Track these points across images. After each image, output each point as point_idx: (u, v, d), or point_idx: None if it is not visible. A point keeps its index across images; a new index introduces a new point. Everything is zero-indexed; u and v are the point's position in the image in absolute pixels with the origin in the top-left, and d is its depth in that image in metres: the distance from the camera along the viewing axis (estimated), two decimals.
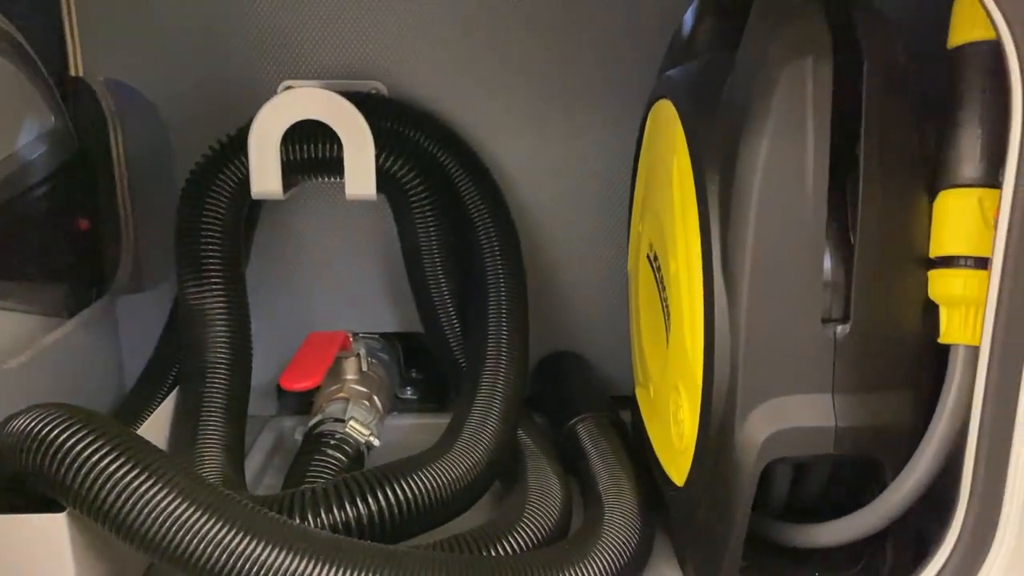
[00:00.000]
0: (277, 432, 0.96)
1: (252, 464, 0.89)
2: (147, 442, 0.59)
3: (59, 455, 0.56)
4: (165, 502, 0.55)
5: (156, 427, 0.75)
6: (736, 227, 0.58)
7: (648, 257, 0.77)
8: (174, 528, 0.55)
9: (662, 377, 0.73)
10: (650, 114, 0.76)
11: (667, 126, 0.70)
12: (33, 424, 0.58)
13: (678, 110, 0.67)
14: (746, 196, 0.57)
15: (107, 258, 0.94)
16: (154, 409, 0.79)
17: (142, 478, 0.55)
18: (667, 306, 0.71)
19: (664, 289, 0.72)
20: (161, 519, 0.55)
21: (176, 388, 0.80)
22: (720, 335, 0.59)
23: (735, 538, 0.61)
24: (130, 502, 0.54)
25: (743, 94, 0.58)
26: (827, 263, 0.58)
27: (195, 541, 0.55)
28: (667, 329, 0.71)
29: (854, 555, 0.66)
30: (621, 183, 0.87)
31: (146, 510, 0.55)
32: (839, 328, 0.58)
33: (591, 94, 0.90)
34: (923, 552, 0.57)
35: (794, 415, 0.59)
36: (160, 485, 0.56)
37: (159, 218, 0.88)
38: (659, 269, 0.74)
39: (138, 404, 0.85)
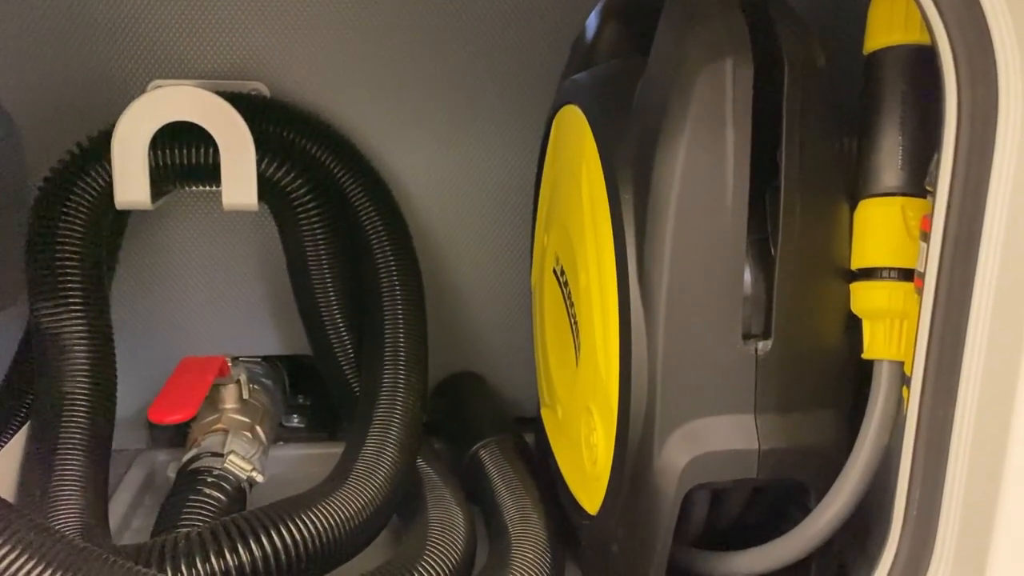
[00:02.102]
0: (148, 467, 0.87)
1: (119, 504, 0.80)
2: None
3: None
4: (13, 563, 0.47)
5: (3, 468, 0.66)
6: (652, 239, 0.55)
7: (554, 271, 0.73)
8: None
9: (571, 398, 0.69)
10: (555, 121, 0.72)
11: (574, 132, 0.66)
12: None
13: (586, 115, 0.63)
14: (663, 206, 0.54)
15: None
16: (0, 448, 0.70)
17: None
18: (576, 322, 0.67)
19: (572, 305, 0.68)
20: None
21: (28, 423, 0.70)
22: (637, 353, 0.55)
23: (656, 570, 0.57)
24: None
25: (658, 97, 0.55)
26: (748, 276, 0.55)
27: None
28: (576, 347, 0.67)
29: None
30: (523, 194, 0.83)
31: None
32: (760, 344, 0.55)
33: (490, 101, 0.85)
34: None
35: (716, 438, 0.55)
36: (8, 545, 0.47)
37: (10, 234, 0.78)
38: (567, 284, 0.69)
39: None
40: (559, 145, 0.72)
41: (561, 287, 0.71)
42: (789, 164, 0.54)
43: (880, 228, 0.53)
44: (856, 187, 0.54)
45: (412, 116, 0.86)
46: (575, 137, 0.66)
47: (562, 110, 0.70)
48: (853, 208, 0.55)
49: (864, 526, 0.55)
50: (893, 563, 0.47)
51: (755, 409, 0.55)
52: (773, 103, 0.53)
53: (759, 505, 0.61)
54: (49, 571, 0.48)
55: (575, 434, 0.68)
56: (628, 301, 0.56)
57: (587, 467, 0.65)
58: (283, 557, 0.59)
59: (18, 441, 0.68)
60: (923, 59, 0.51)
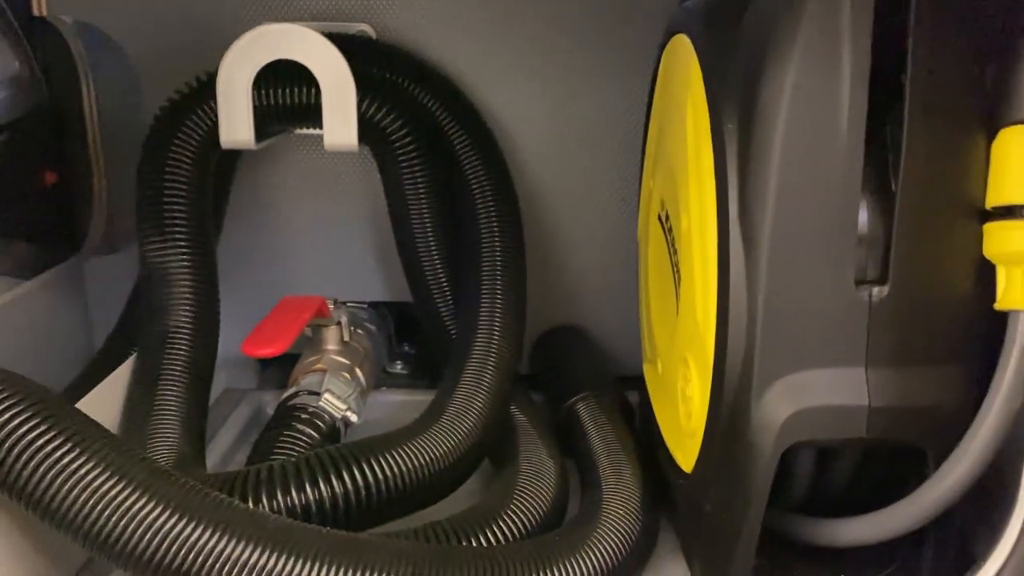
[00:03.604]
0: (255, 406, 0.89)
1: (224, 439, 0.82)
2: (75, 410, 0.52)
3: None
4: (88, 476, 0.48)
5: (108, 396, 0.68)
6: (756, 172, 0.50)
7: (659, 217, 0.69)
8: (96, 505, 0.47)
9: (670, 350, 0.65)
10: (664, 53, 0.68)
11: (682, 64, 0.62)
12: None
13: (694, 43, 0.59)
14: (768, 136, 0.49)
15: (77, 216, 0.88)
16: None
17: (63, 448, 0.48)
18: (678, 270, 0.63)
19: (675, 252, 0.64)
20: (82, 494, 0.48)
21: (134, 355, 0.73)
22: (735, 298, 0.51)
23: (748, 533, 0.53)
24: (41, 471, 0.47)
25: (767, 14, 0.50)
26: (863, 215, 0.50)
27: (120, 520, 0.47)
28: (677, 296, 0.63)
29: (885, 557, 0.58)
30: (632, 137, 0.79)
31: (62, 482, 0.47)
32: (875, 291, 0.49)
33: (599, 35, 0.81)
34: (968, 557, 0.49)
35: (820, 392, 0.50)
36: (84, 458, 0.48)
37: (133, 174, 0.81)
38: (670, 230, 0.65)
39: (102, 372, 0.78)
40: (668, 80, 0.68)
41: (665, 234, 0.67)
42: (915, 87, 0.47)
43: (1022, 160, 0.46)
44: (994, 114, 0.48)
45: (518, 59, 0.83)
46: (682, 69, 0.61)
47: (671, 42, 0.66)
48: (989, 139, 0.48)
49: (990, 495, 0.48)
50: (1013, 548, 0.41)
51: (866, 362, 0.50)
52: (897, 18, 0.47)
53: (868, 469, 0.56)
54: (128, 489, 0.48)
55: (672, 388, 0.64)
56: (728, 241, 0.51)
57: (682, 422, 0.61)
58: (364, 494, 0.59)
59: (123, 371, 0.71)
60: None
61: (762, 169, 0.49)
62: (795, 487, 0.57)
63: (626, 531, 0.60)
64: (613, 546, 0.59)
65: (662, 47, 0.69)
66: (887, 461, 0.56)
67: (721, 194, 0.52)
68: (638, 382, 0.78)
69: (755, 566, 0.55)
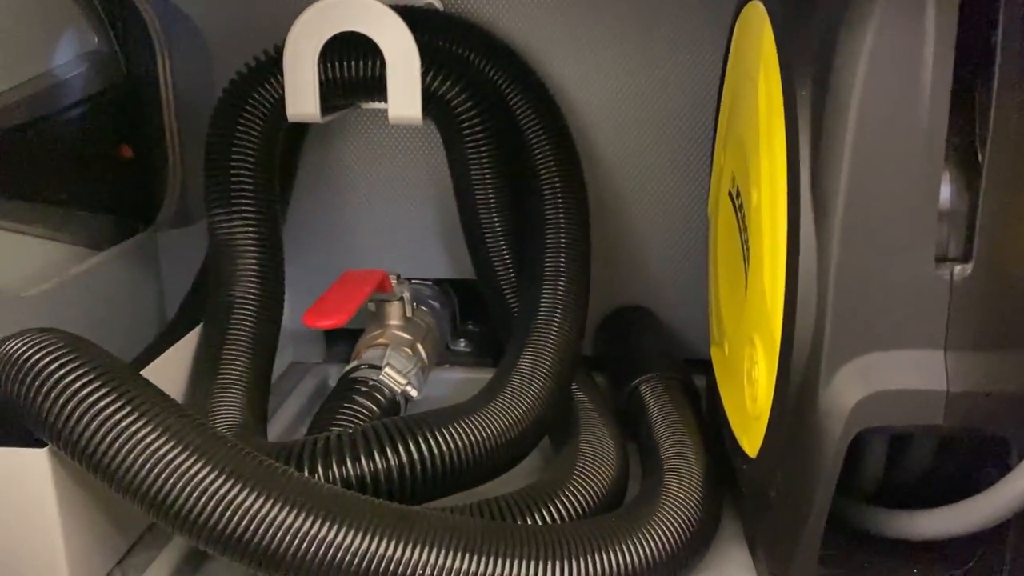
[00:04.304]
0: (320, 380, 0.90)
1: (288, 411, 0.83)
2: (140, 377, 0.53)
3: (35, 381, 0.50)
4: (147, 439, 0.49)
5: (174, 365, 0.69)
6: (830, 143, 0.47)
7: (730, 193, 0.66)
8: (154, 468, 0.48)
9: (737, 331, 0.63)
10: (738, 22, 0.65)
11: (756, 32, 0.59)
12: (17, 348, 0.52)
13: (768, 8, 0.56)
14: (843, 100, 0.46)
15: (152, 189, 0.90)
16: None
17: (123, 412, 0.49)
18: (747, 248, 0.60)
19: (745, 229, 0.61)
20: (140, 457, 0.48)
21: (201, 324, 0.74)
22: (805, 275, 0.49)
23: (814, 521, 0.51)
24: (102, 433, 0.48)
25: None
26: (946, 188, 0.47)
27: (176, 483, 0.48)
28: (746, 275, 0.60)
29: (963, 552, 0.55)
30: (702, 111, 0.76)
31: (121, 444, 0.48)
32: (957, 269, 0.46)
33: (670, 6, 0.78)
34: None
35: (894, 375, 0.47)
36: (143, 422, 0.49)
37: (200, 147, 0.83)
38: (741, 206, 0.63)
39: (172, 341, 0.79)
40: (741, 49, 0.65)
41: (735, 210, 0.64)
42: (1006, 49, 0.44)
43: None
44: None
45: (586, 32, 0.81)
46: (756, 37, 0.59)
47: (745, 9, 0.63)
48: None
49: None
50: None
51: (946, 344, 0.47)
52: None
53: (946, 458, 0.53)
54: (186, 454, 0.49)
55: (738, 370, 0.61)
56: (798, 215, 0.49)
57: (748, 405, 0.59)
58: (420, 468, 0.58)
59: (190, 340, 0.72)
60: None
61: (836, 139, 0.47)
62: (866, 475, 0.54)
63: (687, 515, 0.58)
64: (673, 530, 0.57)
65: (735, 16, 0.66)
66: (966, 450, 0.52)
67: (792, 166, 0.50)
68: (705, 365, 0.76)
69: (821, 556, 0.53)
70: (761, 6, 0.58)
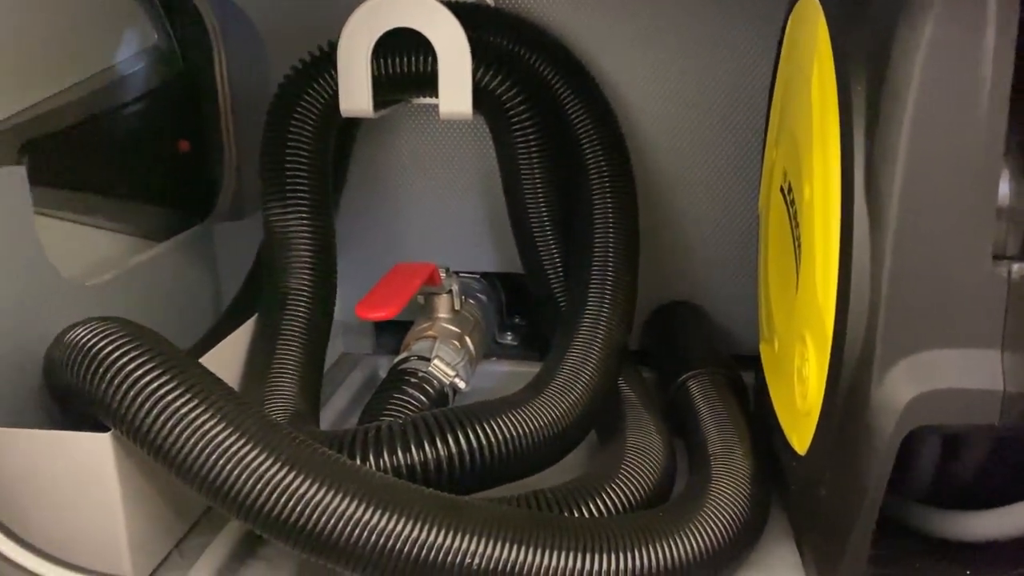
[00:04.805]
0: (369, 370, 0.91)
1: (339, 401, 0.84)
2: (198, 364, 0.54)
3: (100, 368, 0.52)
4: (205, 426, 0.50)
5: (230, 353, 0.71)
6: (885, 137, 0.47)
7: (782, 189, 0.66)
8: (212, 454, 0.50)
9: (787, 327, 0.62)
10: (791, 16, 0.65)
11: (810, 26, 0.58)
12: (83, 336, 0.54)
13: (822, 4, 0.55)
14: (900, 95, 0.46)
15: (208, 182, 0.92)
16: None
17: (183, 399, 0.51)
18: (799, 244, 0.60)
19: (797, 225, 0.61)
20: (199, 443, 0.50)
21: (255, 315, 0.75)
22: (858, 271, 0.48)
23: (864, 521, 0.50)
24: (162, 418, 0.50)
25: None
26: (1004, 185, 0.46)
27: (233, 469, 0.50)
28: (797, 271, 0.60)
29: (1017, 555, 0.54)
30: (752, 107, 0.75)
31: (181, 430, 0.50)
32: (1016, 267, 0.46)
33: (721, 5, 0.78)
34: None
35: (948, 374, 0.47)
36: (202, 408, 0.51)
37: (259, 142, 0.84)
38: (793, 202, 0.62)
39: (227, 331, 0.81)
40: (793, 45, 0.64)
41: (787, 206, 0.64)
42: None
43: None
44: None
45: (636, 28, 0.81)
46: (809, 31, 0.58)
47: (798, 3, 0.63)
48: None
49: None
50: None
51: (1002, 344, 0.46)
52: None
53: (1001, 458, 0.52)
54: (243, 441, 0.50)
55: (788, 367, 0.61)
56: (852, 211, 0.49)
57: (798, 402, 0.58)
58: (468, 458, 0.59)
59: (245, 329, 0.74)
60: None
61: (892, 133, 0.46)
62: (918, 474, 0.54)
63: (734, 512, 0.58)
64: (720, 526, 0.57)
65: (789, 10, 0.66)
66: (1021, 450, 0.52)
67: (846, 161, 0.49)
68: (753, 361, 0.76)
69: (871, 556, 0.52)
70: (815, 0, 0.57)
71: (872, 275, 0.48)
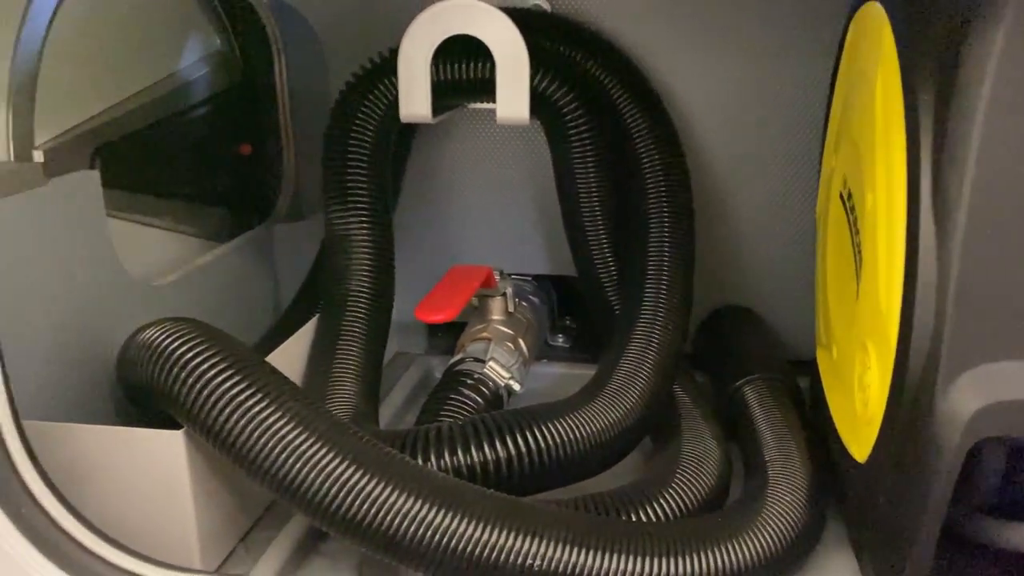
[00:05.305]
0: (423, 370, 0.93)
1: (395, 399, 0.86)
2: (266, 363, 0.56)
3: (174, 368, 0.53)
4: (276, 425, 0.52)
5: (293, 353, 0.73)
6: (953, 146, 0.46)
7: (841, 196, 0.66)
8: (282, 453, 0.51)
9: (847, 335, 0.62)
10: (852, 23, 0.64)
11: (872, 33, 0.58)
12: (155, 336, 0.56)
13: (887, 9, 0.55)
14: (970, 105, 0.45)
15: (268, 185, 0.94)
16: None
17: (255, 398, 0.52)
18: (860, 251, 0.60)
19: (858, 232, 0.61)
20: (269, 441, 0.51)
21: (317, 315, 0.77)
22: (924, 280, 0.48)
23: (927, 530, 0.50)
24: (234, 417, 0.52)
25: None
26: None
27: (302, 468, 0.51)
28: (858, 278, 0.60)
29: None
30: (812, 111, 0.75)
31: (252, 429, 0.51)
32: None
33: (780, 7, 0.78)
34: None
35: (1016, 385, 0.47)
36: (273, 408, 0.52)
37: (319, 146, 0.86)
38: (853, 209, 0.62)
39: (287, 330, 0.83)
40: (855, 51, 0.64)
41: (847, 213, 0.64)
42: None
43: None
44: None
45: (694, 33, 0.81)
46: (873, 39, 0.58)
47: (861, 9, 0.62)
48: None
49: None
50: None
51: None
52: None
53: None
54: (311, 439, 0.52)
55: (848, 374, 0.61)
56: (918, 220, 0.48)
57: (858, 410, 0.58)
58: (527, 461, 0.60)
59: (307, 329, 0.75)
60: None
61: (960, 143, 0.46)
62: (982, 486, 0.53)
63: (791, 518, 0.58)
64: (776, 532, 0.57)
65: (850, 17, 0.65)
66: None
67: (912, 170, 0.49)
68: (808, 366, 0.76)
69: (933, 567, 0.52)
70: (879, 6, 0.57)
71: (939, 286, 0.47)
